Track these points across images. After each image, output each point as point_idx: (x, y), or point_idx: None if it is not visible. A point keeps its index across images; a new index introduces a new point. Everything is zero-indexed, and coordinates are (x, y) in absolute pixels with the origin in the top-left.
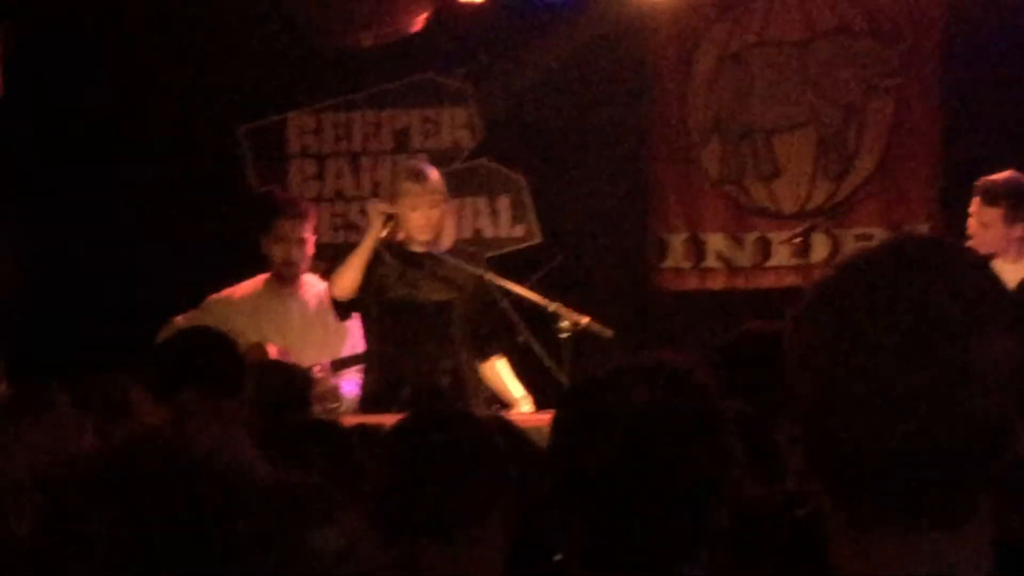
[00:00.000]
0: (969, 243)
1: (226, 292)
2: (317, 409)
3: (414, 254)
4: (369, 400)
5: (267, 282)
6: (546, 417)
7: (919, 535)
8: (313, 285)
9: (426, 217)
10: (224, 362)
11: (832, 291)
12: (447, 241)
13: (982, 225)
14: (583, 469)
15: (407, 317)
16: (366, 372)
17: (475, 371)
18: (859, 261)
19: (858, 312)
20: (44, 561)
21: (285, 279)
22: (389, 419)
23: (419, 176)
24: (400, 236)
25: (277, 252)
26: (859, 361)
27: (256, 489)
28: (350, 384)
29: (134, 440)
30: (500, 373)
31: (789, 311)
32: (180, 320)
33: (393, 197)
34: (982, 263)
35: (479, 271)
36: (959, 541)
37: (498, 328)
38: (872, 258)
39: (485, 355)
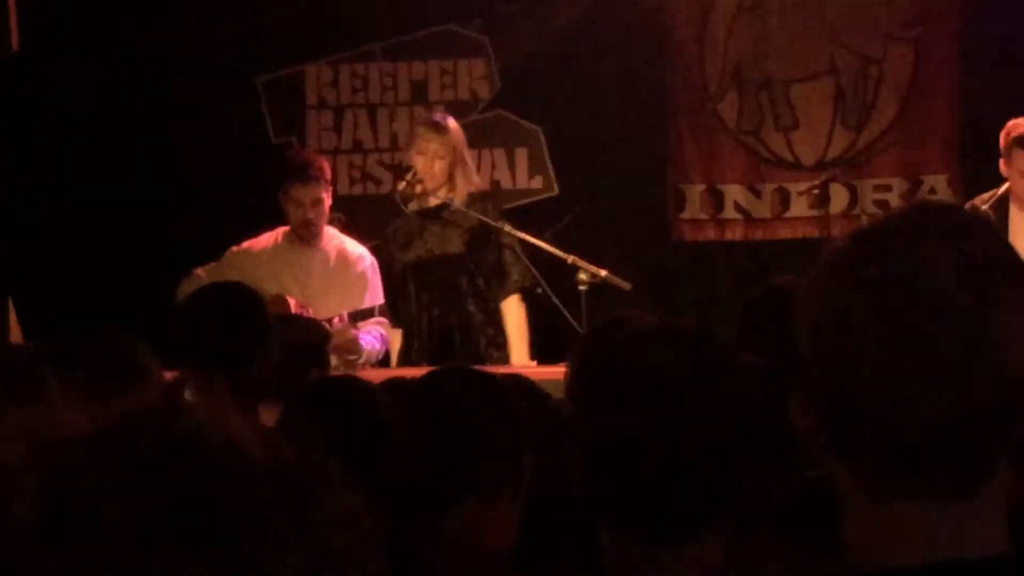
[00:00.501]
0: (996, 193)
1: (246, 244)
2: (335, 361)
3: (430, 208)
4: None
5: (287, 234)
6: (563, 370)
7: (933, 503)
8: (333, 237)
9: (428, 164)
10: (231, 336)
11: (846, 260)
12: (460, 195)
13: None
14: (609, 432)
15: (421, 272)
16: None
17: (488, 323)
18: (873, 229)
19: (872, 281)
20: (46, 546)
21: (304, 237)
22: (415, 373)
23: (431, 124)
24: (419, 190)
25: (293, 215)
26: (874, 329)
27: (250, 468)
28: (369, 336)
29: (131, 418)
30: (506, 314)
31: (802, 280)
32: (200, 272)
33: (409, 141)
34: (993, 230)
35: (496, 223)
36: (973, 510)
37: (510, 269)
38: (886, 226)
39: (503, 295)
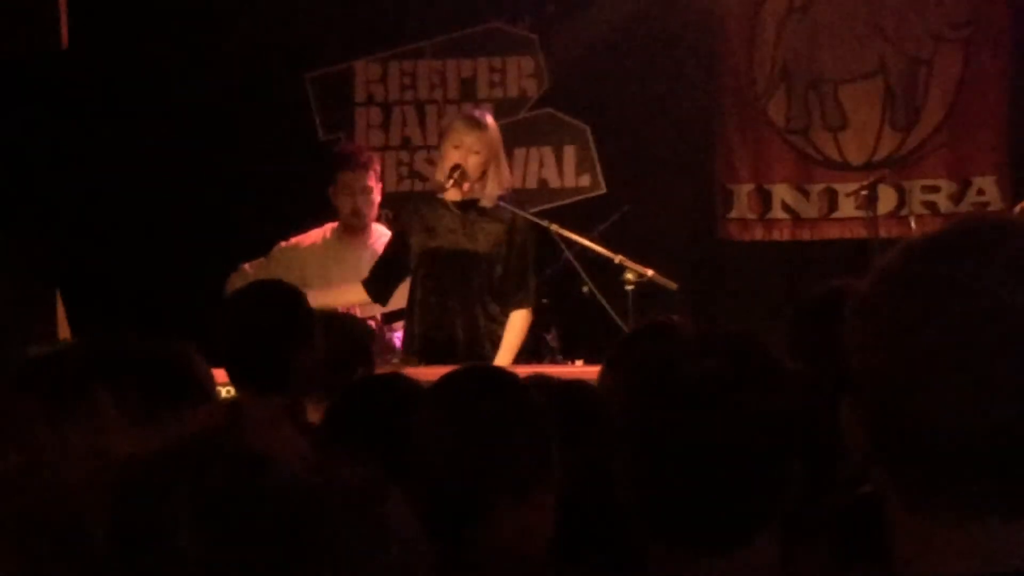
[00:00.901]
0: None
1: (295, 240)
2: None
3: (462, 201)
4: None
5: (335, 230)
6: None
7: (978, 518)
8: (382, 234)
9: (463, 158)
10: (271, 336)
11: (897, 272)
12: (489, 194)
13: None
14: (655, 441)
15: (436, 261)
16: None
17: (495, 325)
18: (924, 241)
19: (924, 292)
20: (119, 571)
21: (354, 229)
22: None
23: (469, 119)
24: (466, 187)
25: (343, 203)
26: (925, 342)
27: (321, 492)
28: (399, 336)
29: (197, 440)
30: (507, 326)
31: (851, 295)
32: (248, 267)
33: (444, 133)
34: None
35: (543, 222)
36: (1020, 527)
37: (526, 280)
38: (938, 238)
39: (508, 306)
